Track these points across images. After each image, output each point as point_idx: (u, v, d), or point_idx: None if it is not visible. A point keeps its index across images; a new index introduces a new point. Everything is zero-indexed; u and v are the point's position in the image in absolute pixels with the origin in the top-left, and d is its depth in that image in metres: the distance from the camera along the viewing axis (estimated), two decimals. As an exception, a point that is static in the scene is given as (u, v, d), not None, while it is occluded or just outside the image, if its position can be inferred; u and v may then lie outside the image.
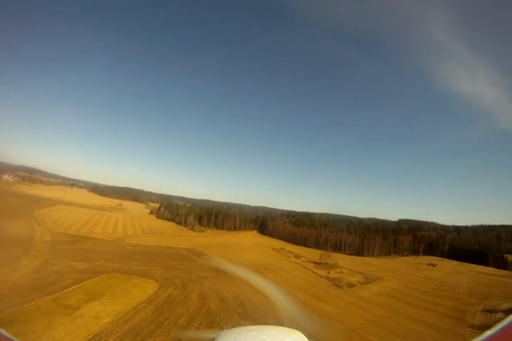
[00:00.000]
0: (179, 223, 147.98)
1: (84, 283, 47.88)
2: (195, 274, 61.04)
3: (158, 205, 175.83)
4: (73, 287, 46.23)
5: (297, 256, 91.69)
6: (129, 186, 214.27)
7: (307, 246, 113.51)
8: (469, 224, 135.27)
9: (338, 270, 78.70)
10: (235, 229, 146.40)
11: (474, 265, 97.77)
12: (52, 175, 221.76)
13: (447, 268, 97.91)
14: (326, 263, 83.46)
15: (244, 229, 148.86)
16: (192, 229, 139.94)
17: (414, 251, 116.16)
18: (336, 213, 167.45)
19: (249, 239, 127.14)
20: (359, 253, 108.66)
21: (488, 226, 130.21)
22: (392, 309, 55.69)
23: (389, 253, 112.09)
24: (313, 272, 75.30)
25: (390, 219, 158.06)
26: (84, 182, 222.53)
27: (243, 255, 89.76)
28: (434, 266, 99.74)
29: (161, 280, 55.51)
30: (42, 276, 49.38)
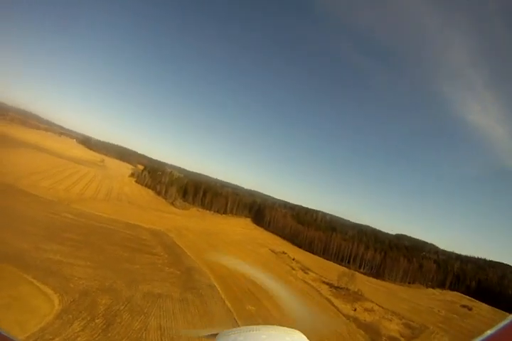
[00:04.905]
0: (159, 193, 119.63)
1: None
2: (143, 288, 33.68)
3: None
4: None
5: (305, 270, 64.69)
6: (123, 145, 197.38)
7: (314, 253, 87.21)
8: (469, 254, 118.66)
9: (367, 305, 52.29)
10: (225, 212, 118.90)
11: (507, 313, 75.43)
12: (47, 122, 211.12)
13: (484, 315, 75.86)
14: (347, 290, 57.07)
15: (236, 214, 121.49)
16: (172, 203, 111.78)
17: (440, 284, 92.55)
18: (330, 213, 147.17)
19: (241, 228, 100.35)
20: (378, 274, 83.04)
21: (489, 261, 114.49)
22: None
23: (413, 282, 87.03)
24: (334, 305, 48.42)
25: (386, 231, 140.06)
26: (78, 134, 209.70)
27: (230, 253, 62.87)
28: (470, 309, 77.59)
29: (75, 293, 28.31)
30: None
